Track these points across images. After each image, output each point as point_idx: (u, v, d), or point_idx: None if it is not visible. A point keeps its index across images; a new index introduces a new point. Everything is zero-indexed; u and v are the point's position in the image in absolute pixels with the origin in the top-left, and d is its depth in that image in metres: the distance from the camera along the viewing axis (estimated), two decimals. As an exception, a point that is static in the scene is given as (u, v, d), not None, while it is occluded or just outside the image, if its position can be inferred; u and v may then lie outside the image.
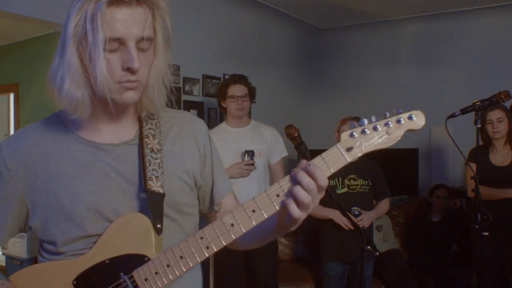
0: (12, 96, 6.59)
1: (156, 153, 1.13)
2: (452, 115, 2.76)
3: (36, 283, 1.10)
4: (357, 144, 0.98)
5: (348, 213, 2.56)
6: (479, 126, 2.81)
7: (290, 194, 0.97)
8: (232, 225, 1.01)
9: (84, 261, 1.08)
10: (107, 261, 1.07)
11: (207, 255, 1.04)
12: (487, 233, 2.62)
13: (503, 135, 3.31)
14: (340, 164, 0.99)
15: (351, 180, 3.24)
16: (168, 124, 1.21)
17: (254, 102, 3.47)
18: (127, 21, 1.00)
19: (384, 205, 3.33)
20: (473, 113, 2.78)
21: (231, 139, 3.31)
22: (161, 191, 1.10)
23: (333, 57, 5.74)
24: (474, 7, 4.87)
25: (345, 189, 3.22)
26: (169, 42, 1.11)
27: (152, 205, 1.08)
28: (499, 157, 3.35)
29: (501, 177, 3.28)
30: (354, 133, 0.97)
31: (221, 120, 4.13)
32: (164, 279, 1.04)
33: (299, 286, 3.81)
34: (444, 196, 4.35)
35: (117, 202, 1.10)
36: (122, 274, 1.07)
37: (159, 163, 1.12)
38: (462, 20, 4.99)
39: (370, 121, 0.98)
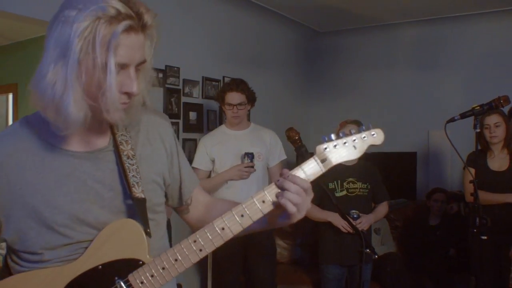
0: (11, 96, 6.58)
1: (131, 159, 1.16)
2: (452, 120, 2.77)
3: None
4: (330, 156, 1.13)
5: (347, 216, 2.56)
6: (478, 130, 2.82)
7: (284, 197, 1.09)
8: (223, 229, 1.11)
9: (74, 267, 1.09)
10: (100, 267, 1.09)
11: (200, 257, 1.11)
12: (485, 237, 2.63)
13: (500, 140, 3.32)
14: (317, 174, 1.14)
15: (350, 183, 3.25)
16: (136, 128, 1.22)
17: (254, 106, 3.47)
18: (134, 48, 1.02)
19: (382, 208, 3.34)
20: (471, 117, 2.78)
21: (230, 142, 3.31)
22: (143, 197, 1.14)
23: (331, 60, 5.75)
24: (472, 12, 4.89)
25: (344, 192, 3.23)
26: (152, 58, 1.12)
27: (139, 211, 1.12)
28: (497, 161, 3.36)
29: (498, 181, 3.29)
30: (327, 147, 1.13)
31: (221, 123, 4.14)
32: (160, 281, 1.10)
33: (297, 289, 3.81)
34: (441, 200, 4.36)
35: (97, 208, 1.12)
36: (117, 278, 1.09)
37: (136, 168, 1.16)
38: (460, 25, 5.01)
39: (338, 137, 1.14)
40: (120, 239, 1.10)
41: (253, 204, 1.10)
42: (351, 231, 2.95)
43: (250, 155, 3.17)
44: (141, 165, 1.18)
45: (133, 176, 1.14)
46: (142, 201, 1.14)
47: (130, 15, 0.99)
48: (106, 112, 1.02)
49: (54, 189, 1.09)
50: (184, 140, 4.02)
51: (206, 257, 3.86)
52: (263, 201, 1.10)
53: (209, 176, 3.34)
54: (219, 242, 1.11)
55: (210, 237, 1.10)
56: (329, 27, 5.70)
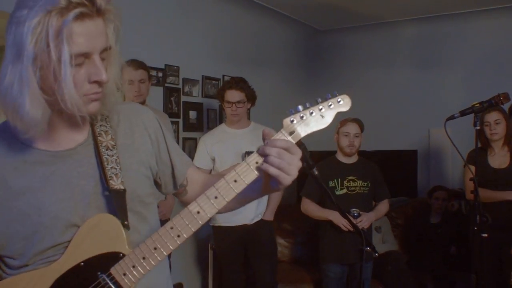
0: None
1: (111, 150, 1.15)
2: (452, 117, 2.76)
3: None
4: (298, 128, 1.10)
5: (347, 214, 2.56)
6: (478, 128, 2.82)
7: (266, 163, 1.06)
8: (198, 212, 1.09)
9: (57, 267, 1.08)
10: (82, 263, 1.09)
11: (179, 243, 1.09)
12: (486, 235, 2.63)
13: (500, 137, 3.32)
14: None
15: (350, 181, 3.24)
16: (116, 118, 1.20)
17: (254, 105, 3.46)
18: (92, 34, 0.99)
19: (383, 206, 3.34)
20: (471, 115, 2.78)
21: (230, 140, 3.31)
22: (122, 188, 1.13)
23: (331, 58, 5.74)
24: (472, 9, 4.88)
25: (344, 190, 3.23)
26: (118, 43, 1.10)
27: (116, 203, 1.11)
28: (497, 159, 3.36)
29: (499, 179, 3.29)
30: (294, 119, 1.10)
31: (221, 122, 4.14)
32: (142, 270, 1.09)
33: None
34: (443, 198, 4.36)
35: (84, 206, 1.11)
36: (99, 273, 1.09)
37: (115, 159, 1.14)
38: (460, 22, 5.00)
39: (305, 107, 1.11)
40: (99, 234, 1.10)
41: (225, 185, 1.08)
42: (351, 229, 2.95)
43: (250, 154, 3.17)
44: (123, 155, 1.17)
45: (111, 167, 1.13)
46: (121, 192, 1.12)
47: (81, 3, 0.96)
48: (64, 105, 0.99)
49: (39, 191, 1.08)
50: (184, 139, 4.02)
51: (207, 256, 3.88)
52: (235, 180, 1.08)
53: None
54: (196, 226, 1.09)
55: (186, 222, 1.08)
56: (329, 25, 5.69)
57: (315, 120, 1.11)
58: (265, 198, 3.40)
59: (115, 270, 1.09)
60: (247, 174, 1.08)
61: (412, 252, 4.38)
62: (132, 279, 1.08)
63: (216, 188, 1.09)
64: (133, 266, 1.09)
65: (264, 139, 1.08)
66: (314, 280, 3.80)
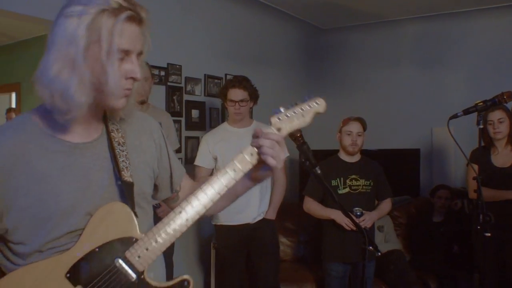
0: (14, 95, 6.60)
1: (122, 146, 1.26)
2: (455, 116, 2.75)
3: (26, 286, 1.12)
4: (284, 125, 1.27)
5: (350, 213, 2.55)
6: (481, 126, 2.81)
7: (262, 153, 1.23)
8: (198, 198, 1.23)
9: (72, 254, 1.14)
10: (97, 249, 1.15)
11: (188, 226, 1.21)
12: (489, 234, 2.62)
13: (504, 136, 3.31)
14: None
15: (353, 180, 3.24)
16: (127, 121, 1.32)
17: (256, 104, 3.46)
18: (135, 36, 1.13)
19: (386, 205, 3.34)
20: (474, 113, 2.77)
21: (232, 139, 3.31)
22: (131, 181, 1.23)
23: (334, 57, 5.73)
24: (476, 7, 4.86)
25: (347, 190, 3.23)
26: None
27: (127, 193, 1.21)
28: (501, 158, 3.35)
29: (502, 178, 3.28)
30: (280, 118, 1.27)
31: (223, 120, 4.13)
32: (155, 252, 1.18)
33: (301, 287, 3.80)
34: (445, 197, 4.35)
35: (99, 196, 1.19)
36: (115, 257, 1.16)
37: (125, 154, 1.25)
38: (464, 21, 4.99)
39: (287, 108, 1.28)
40: (112, 221, 1.18)
41: (224, 172, 1.23)
42: (354, 228, 2.95)
43: (253, 153, 3.16)
44: (131, 154, 1.27)
45: (122, 161, 1.23)
46: (130, 184, 1.22)
47: (130, 8, 1.11)
48: (111, 96, 1.13)
49: (58, 179, 1.14)
50: (187, 138, 4.02)
51: (209, 255, 3.88)
52: (234, 170, 1.24)
53: (211, 174, 3.34)
54: (202, 211, 1.22)
55: (192, 206, 1.21)
56: (332, 24, 5.69)
57: (297, 118, 1.28)
58: (268, 197, 3.40)
59: (130, 254, 1.17)
60: (244, 164, 1.24)
61: (415, 251, 4.38)
62: (147, 260, 1.17)
63: (219, 174, 1.23)
64: (146, 249, 1.17)
65: (255, 136, 1.24)
66: (316, 279, 3.79)
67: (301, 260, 4.32)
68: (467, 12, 4.95)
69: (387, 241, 4.28)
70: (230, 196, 1.35)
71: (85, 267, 1.14)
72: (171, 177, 1.42)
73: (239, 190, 1.37)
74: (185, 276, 1.23)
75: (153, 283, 1.20)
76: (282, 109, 1.27)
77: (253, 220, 3.31)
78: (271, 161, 1.22)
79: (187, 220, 1.20)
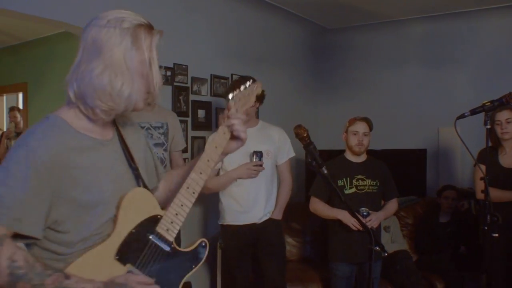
0: (21, 95, 6.63)
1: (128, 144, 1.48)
2: (462, 116, 2.73)
3: (88, 273, 1.26)
4: (239, 106, 1.56)
5: (356, 213, 2.55)
6: (488, 127, 2.79)
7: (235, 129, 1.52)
8: (201, 173, 1.47)
9: (114, 238, 1.32)
10: (134, 230, 1.35)
11: (195, 197, 1.45)
12: (496, 235, 2.60)
13: (511, 136, 3.29)
14: None
15: (359, 180, 3.23)
16: (125, 119, 1.53)
17: (262, 104, 3.46)
18: (156, 46, 1.36)
19: (392, 205, 3.33)
20: (482, 113, 2.75)
21: (238, 139, 3.30)
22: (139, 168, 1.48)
23: (340, 57, 5.72)
24: (482, 7, 4.84)
25: (353, 190, 3.22)
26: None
27: (142, 181, 1.46)
28: (508, 158, 3.33)
29: (510, 178, 3.26)
30: (234, 98, 1.56)
31: (229, 120, 4.13)
32: (178, 223, 1.42)
33: (307, 287, 3.80)
34: (452, 197, 4.33)
35: (126, 185, 1.39)
36: (149, 234, 1.37)
37: (131, 150, 1.47)
38: (470, 20, 4.96)
39: (236, 92, 1.58)
40: (137, 204, 1.38)
41: (210, 147, 1.51)
42: (360, 228, 2.94)
43: (259, 154, 3.16)
44: (132, 149, 1.48)
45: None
46: (139, 171, 1.46)
47: (153, 27, 1.37)
48: (156, 97, 1.38)
49: (97, 170, 1.32)
50: (193, 138, 4.03)
51: (215, 255, 3.89)
52: (215, 147, 1.51)
53: (217, 175, 3.34)
54: (205, 177, 1.47)
55: (196, 182, 1.45)
56: (338, 24, 5.67)
57: (245, 99, 1.59)
58: (274, 197, 3.40)
59: (160, 228, 1.39)
60: (222, 140, 1.52)
61: (421, 251, 4.36)
62: (173, 231, 1.41)
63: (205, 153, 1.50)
64: (171, 222, 1.41)
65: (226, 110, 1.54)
66: (322, 279, 3.79)
67: (307, 260, 4.32)
68: (473, 11, 4.92)
69: (394, 241, 4.26)
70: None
71: (129, 247, 1.33)
72: (156, 169, 1.64)
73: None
74: (202, 239, 1.51)
75: (181, 249, 1.45)
76: (230, 96, 1.56)
77: (259, 220, 3.31)
78: (244, 135, 1.52)
79: (193, 193, 1.43)
